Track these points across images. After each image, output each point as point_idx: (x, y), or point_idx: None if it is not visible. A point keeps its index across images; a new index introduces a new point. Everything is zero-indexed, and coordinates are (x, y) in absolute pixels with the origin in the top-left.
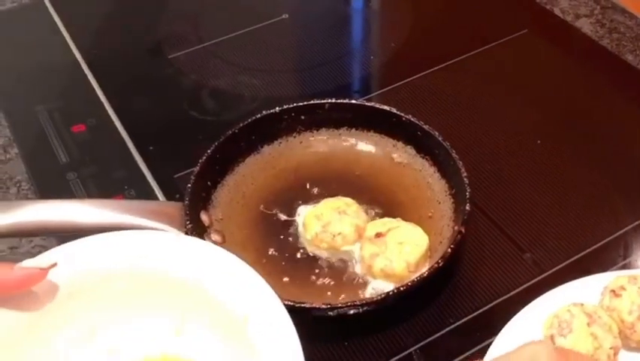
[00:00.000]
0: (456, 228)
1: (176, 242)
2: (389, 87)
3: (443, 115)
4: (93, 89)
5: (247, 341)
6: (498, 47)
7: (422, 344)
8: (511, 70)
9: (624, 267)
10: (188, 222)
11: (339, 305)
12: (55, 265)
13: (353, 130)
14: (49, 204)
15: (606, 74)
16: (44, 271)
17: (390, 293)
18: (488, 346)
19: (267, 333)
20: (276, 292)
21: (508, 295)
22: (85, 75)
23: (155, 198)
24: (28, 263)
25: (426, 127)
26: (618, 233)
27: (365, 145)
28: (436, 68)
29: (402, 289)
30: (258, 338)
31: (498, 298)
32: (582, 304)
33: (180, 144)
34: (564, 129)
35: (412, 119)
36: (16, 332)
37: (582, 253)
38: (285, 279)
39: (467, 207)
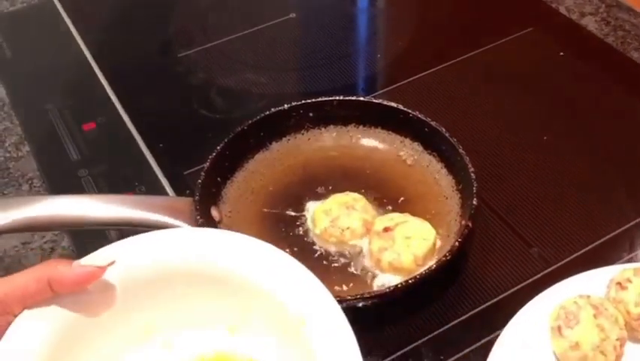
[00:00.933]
0: (463, 222)
1: (230, 240)
2: (396, 85)
3: (450, 112)
4: (103, 88)
5: (303, 342)
6: (504, 45)
7: (430, 336)
8: (517, 67)
9: (630, 261)
10: (199, 217)
11: (348, 298)
12: (113, 262)
13: (361, 127)
14: (61, 199)
15: (611, 72)
16: (102, 268)
17: (399, 286)
18: (495, 339)
19: (325, 336)
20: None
21: (515, 289)
22: (95, 74)
23: (165, 194)
24: (86, 261)
25: (433, 123)
26: (624, 228)
27: (373, 142)
28: (441, 66)
29: (410, 282)
30: (315, 340)
31: (505, 292)
32: (588, 296)
33: (190, 141)
34: (570, 126)
35: (419, 115)
36: (71, 330)
37: (588, 248)
38: None
39: (474, 202)
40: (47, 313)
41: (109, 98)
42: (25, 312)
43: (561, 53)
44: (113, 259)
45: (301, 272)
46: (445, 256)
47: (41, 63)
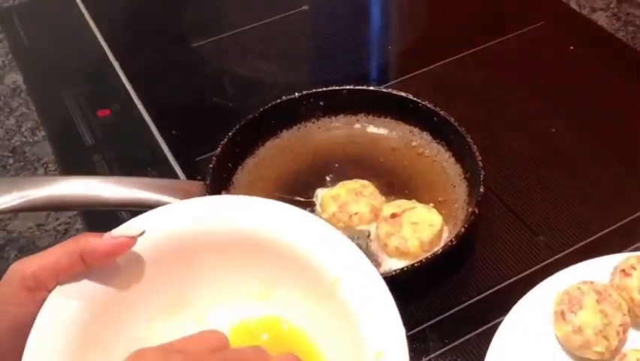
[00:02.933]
0: (470, 210)
1: (258, 205)
2: (406, 76)
3: (459, 103)
4: (118, 76)
5: (337, 302)
6: (514, 38)
7: (435, 320)
8: (527, 61)
9: (635, 250)
10: None
11: None
12: (143, 232)
13: (370, 116)
14: (75, 180)
15: (621, 67)
16: (133, 238)
17: (404, 269)
18: (499, 324)
19: (360, 294)
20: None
21: (520, 276)
22: (110, 62)
23: (177, 178)
24: (117, 232)
25: (442, 113)
26: (629, 218)
27: (382, 131)
28: (452, 58)
29: (415, 265)
30: (350, 299)
31: (510, 279)
32: (592, 282)
33: (202, 128)
34: (578, 119)
35: (428, 105)
36: (103, 304)
37: (594, 237)
38: None
39: (481, 190)
40: (80, 288)
41: (123, 86)
42: (58, 288)
43: (571, 47)
44: (144, 229)
45: (332, 232)
46: (450, 241)
47: (57, 51)
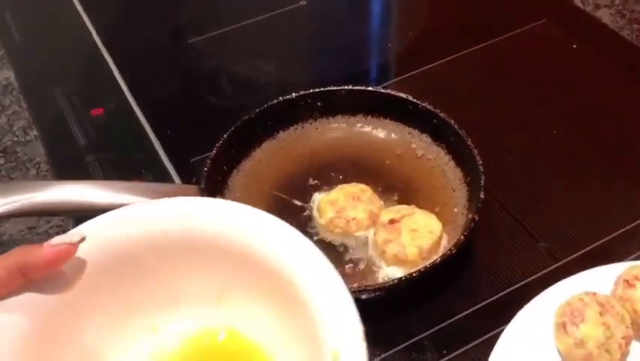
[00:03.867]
0: (470, 216)
1: (210, 207)
2: (405, 75)
3: (460, 103)
4: (112, 74)
5: (294, 303)
6: (516, 36)
7: (433, 330)
8: (529, 60)
9: (638, 258)
10: None
11: (352, 290)
12: (84, 238)
13: (369, 117)
14: (68, 184)
15: (625, 66)
16: (74, 245)
17: (403, 279)
18: (499, 334)
19: (318, 293)
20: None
21: (521, 284)
22: (104, 59)
23: (172, 181)
24: (57, 240)
25: (442, 115)
26: (632, 225)
27: (381, 132)
28: (452, 57)
29: (414, 275)
30: (307, 299)
31: (511, 287)
32: (595, 293)
33: (197, 128)
34: (581, 120)
35: (428, 107)
36: (50, 319)
37: (596, 244)
38: None
39: (481, 195)
40: (23, 303)
41: (118, 85)
42: None
43: (574, 46)
44: (84, 234)
45: (289, 232)
46: (449, 250)
47: (50, 47)
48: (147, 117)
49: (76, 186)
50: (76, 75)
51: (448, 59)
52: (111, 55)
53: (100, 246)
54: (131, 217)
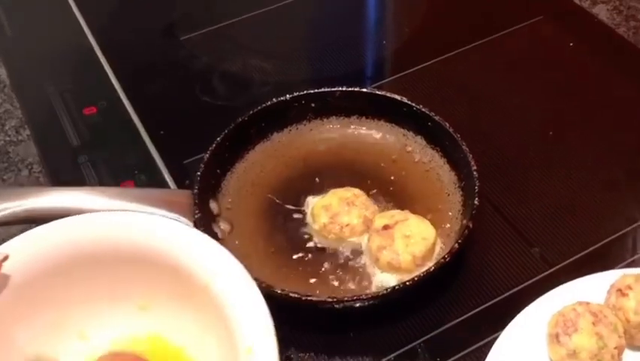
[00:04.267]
0: (464, 222)
1: (128, 219)
2: (401, 74)
3: (455, 103)
4: (105, 71)
5: (212, 305)
6: (512, 33)
7: (427, 337)
8: (526, 57)
9: (633, 263)
10: (197, 212)
11: (346, 299)
12: (6, 257)
13: (363, 118)
14: (61, 191)
15: (623, 66)
16: None
17: (396, 288)
18: (492, 342)
19: (231, 293)
20: (241, 262)
21: (515, 290)
22: (97, 57)
23: (165, 183)
24: None
25: (437, 118)
26: (627, 229)
27: (375, 134)
28: (448, 55)
29: (407, 284)
30: (224, 300)
31: (504, 293)
32: (588, 303)
33: (191, 128)
34: (577, 121)
35: (423, 109)
36: None
37: (591, 249)
38: (293, 269)
39: (476, 202)
40: None
41: (110, 82)
42: None
43: (571, 44)
44: (7, 253)
45: (204, 240)
46: (444, 257)
47: (43, 44)
48: (140, 117)
49: (70, 192)
50: (68, 73)
51: (444, 56)
52: (103, 52)
53: (24, 263)
54: (60, 231)
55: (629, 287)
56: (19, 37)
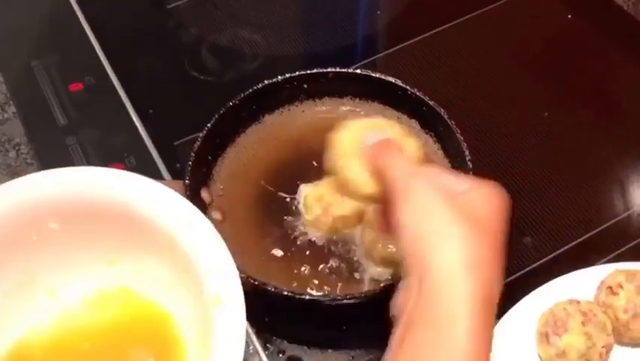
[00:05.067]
0: None
1: (90, 175)
2: (394, 48)
3: (449, 82)
4: (90, 43)
5: (179, 258)
6: (506, 5)
7: None
8: (521, 33)
9: (624, 253)
10: None
11: (339, 297)
12: None
13: (357, 100)
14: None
15: (622, 40)
16: None
17: (389, 286)
18: None
19: (197, 245)
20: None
21: (508, 281)
22: (82, 27)
23: (155, 166)
24: None
25: (431, 103)
26: (621, 217)
27: (369, 116)
28: (442, 27)
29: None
30: (190, 252)
31: None
32: (578, 302)
33: (180, 106)
34: (574, 102)
35: (417, 93)
36: None
37: (583, 238)
38: (285, 260)
39: None
40: None
41: (96, 56)
42: None
43: (569, 16)
44: None
45: (167, 192)
46: None
47: (27, 16)
48: (128, 94)
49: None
50: (53, 45)
51: (440, 29)
52: (89, 22)
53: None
54: (19, 188)
55: (620, 285)
56: (2, 9)
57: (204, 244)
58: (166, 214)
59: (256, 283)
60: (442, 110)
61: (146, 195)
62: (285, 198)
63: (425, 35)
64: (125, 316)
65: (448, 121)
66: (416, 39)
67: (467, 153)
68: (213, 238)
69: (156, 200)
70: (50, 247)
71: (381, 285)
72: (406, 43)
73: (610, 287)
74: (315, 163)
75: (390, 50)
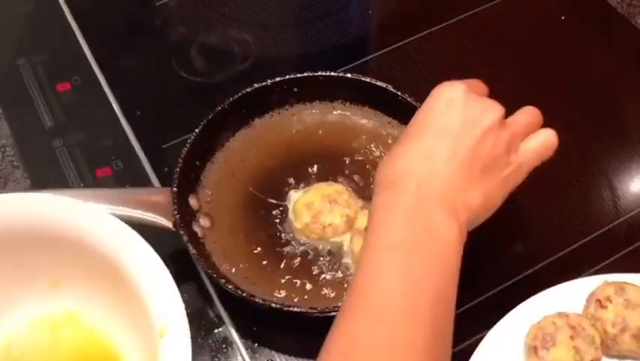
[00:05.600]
0: None
1: (30, 200)
2: (387, 49)
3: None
4: (78, 41)
5: (123, 284)
6: (499, 6)
7: None
8: (516, 31)
9: (615, 262)
10: (175, 212)
11: (326, 309)
12: None
13: (347, 104)
14: (43, 195)
15: (614, 42)
16: None
17: None
18: (472, 345)
19: (141, 273)
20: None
21: (498, 290)
22: (69, 25)
23: (143, 169)
24: None
25: None
26: (610, 226)
27: (359, 120)
28: (437, 28)
29: None
30: (133, 280)
31: (486, 293)
32: (567, 316)
33: (168, 108)
34: (566, 105)
35: (408, 98)
36: None
37: (574, 246)
38: (274, 268)
39: None
40: None
41: (84, 54)
42: None
43: (562, 17)
44: None
45: (110, 221)
46: None
47: (13, 11)
48: (115, 95)
49: (42, 196)
50: (40, 43)
51: (432, 30)
52: (76, 19)
53: None
54: None
55: (609, 299)
56: None
57: (147, 272)
58: (107, 240)
59: (244, 294)
60: None
61: (87, 221)
62: (275, 204)
63: (417, 36)
64: (69, 342)
65: None
66: (408, 40)
67: None
68: (157, 266)
69: (97, 226)
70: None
71: None
72: (398, 44)
73: (599, 300)
74: (304, 168)
75: (383, 51)
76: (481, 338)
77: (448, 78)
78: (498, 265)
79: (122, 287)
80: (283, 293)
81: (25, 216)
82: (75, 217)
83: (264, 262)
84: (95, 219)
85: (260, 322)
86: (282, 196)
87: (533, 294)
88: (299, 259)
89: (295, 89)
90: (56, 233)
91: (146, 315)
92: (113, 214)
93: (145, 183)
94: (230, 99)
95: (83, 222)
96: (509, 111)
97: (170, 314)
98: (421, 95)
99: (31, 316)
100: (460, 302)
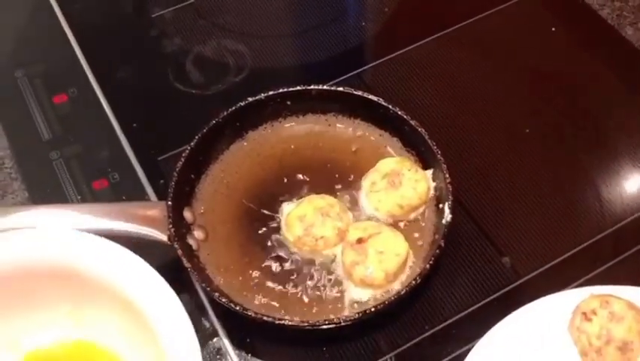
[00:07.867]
0: (437, 236)
1: (62, 236)
2: (381, 60)
3: (434, 94)
4: (74, 53)
5: (140, 321)
6: (491, 17)
7: (398, 351)
8: (507, 42)
9: (601, 274)
10: (170, 225)
11: (317, 323)
12: None
13: (340, 116)
14: (39, 210)
15: (607, 54)
16: None
17: (368, 312)
18: (463, 354)
19: (156, 310)
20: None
21: (485, 302)
22: (66, 37)
23: (139, 181)
24: None
25: (413, 123)
26: (599, 237)
27: (352, 133)
28: (429, 39)
29: (379, 307)
30: (149, 316)
31: (474, 305)
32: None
33: (164, 120)
34: (555, 117)
35: (399, 112)
36: None
37: (561, 258)
38: (266, 280)
39: (448, 219)
40: None
41: (80, 66)
42: None
43: (553, 29)
44: None
45: (130, 258)
46: (414, 279)
47: (10, 23)
48: (112, 106)
49: (49, 211)
50: (37, 55)
51: (426, 40)
52: (73, 31)
53: None
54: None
55: (594, 312)
56: None
57: (163, 309)
58: (122, 277)
59: (237, 307)
60: (423, 130)
61: (102, 257)
62: (268, 216)
63: (410, 48)
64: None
65: (429, 141)
66: (401, 51)
67: (447, 175)
68: (173, 304)
69: (106, 258)
70: (20, 301)
71: (360, 311)
72: (391, 56)
73: (584, 313)
74: (297, 180)
75: (376, 62)
76: (467, 351)
77: (441, 90)
78: (484, 277)
79: (136, 319)
80: (276, 303)
81: (37, 252)
82: (84, 250)
83: (257, 274)
84: (103, 250)
85: (253, 333)
86: (276, 208)
87: (520, 307)
88: (291, 271)
89: (288, 102)
90: (66, 267)
91: (161, 348)
92: (110, 228)
93: (141, 194)
94: (225, 113)
95: (93, 254)
96: (499, 124)
97: (181, 343)
98: (414, 107)
99: (47, 343)
100: (445, 316)
